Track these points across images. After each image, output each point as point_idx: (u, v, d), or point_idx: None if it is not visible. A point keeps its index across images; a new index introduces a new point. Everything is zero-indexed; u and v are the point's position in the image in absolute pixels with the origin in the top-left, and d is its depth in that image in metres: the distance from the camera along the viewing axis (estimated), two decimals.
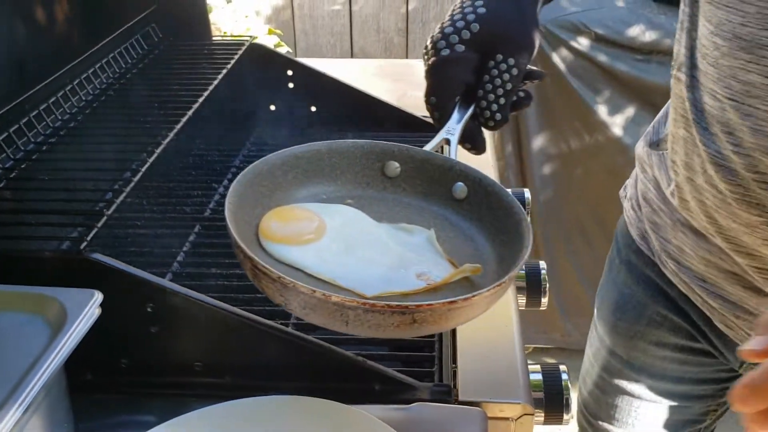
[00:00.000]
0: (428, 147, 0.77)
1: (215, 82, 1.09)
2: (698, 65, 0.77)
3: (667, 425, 1.01)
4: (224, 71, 1.13)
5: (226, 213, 0.64)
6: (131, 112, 1.01)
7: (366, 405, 0.69)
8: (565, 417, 0.83)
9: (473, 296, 0.59)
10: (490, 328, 0.83)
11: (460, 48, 0.75)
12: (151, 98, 1.05)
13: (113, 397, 0.74)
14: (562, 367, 0.84)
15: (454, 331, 0.81)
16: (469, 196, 0.75)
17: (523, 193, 1.21)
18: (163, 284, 0.71)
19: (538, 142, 1.99)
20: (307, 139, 0.76)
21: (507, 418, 0.72)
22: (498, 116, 0.78)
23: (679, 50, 0.82)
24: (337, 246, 0.67)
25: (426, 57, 0.78)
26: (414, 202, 0.76)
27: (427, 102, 0.77)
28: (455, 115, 0.78)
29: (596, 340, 1.05)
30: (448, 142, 0.78)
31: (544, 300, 1.04)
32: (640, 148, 0.95)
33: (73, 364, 0.65)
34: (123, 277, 0.70)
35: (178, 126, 0.97)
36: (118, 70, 1.11)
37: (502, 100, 0.76)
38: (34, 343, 0.62)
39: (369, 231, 0.70)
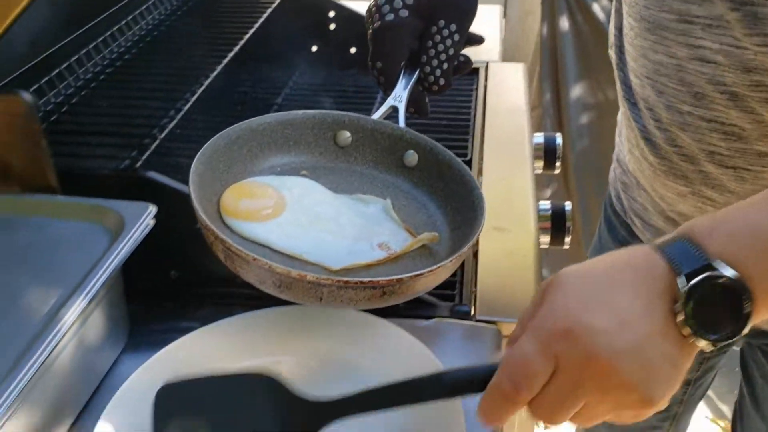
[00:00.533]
0: (376, 115, 0.79)
1: (259, 21, 1.15)
2: (624, 45, 0.80)
3: None
4: (268, 11, 1.18)
5: (192, 194, 0.66)
6: (181, 48, 1.08)
7: (391, 318, 0.75)
8: (566, 239, 1.01)
9: (436, 268, 0.64)
10: (510, 259, 0.88)
11: (404, 13, 0.76)
12: (199, 35, 1.11)
13: (163, 305, 0.82)
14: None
15: (476, 260, 0.87)
16: (419, 163, 0.77)
17: (554, 138, 1.24)
18: None
19: (576, 91, 2.00)
20: (344, 82, 0.80)
21: None
22: (441, 81, 0.79)
23: (611, 30, 0.85)
24: (298, 220, 0.71)
25: (369, 21, 0.79)
26: (366, 171, 0.79)
27: (372, 67, 0.79)
28: (401, 81, 0.79)
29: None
30: (395, 109, 0.79)
31: (567, 239, 1.09)
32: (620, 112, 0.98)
33: (128, 271, 0.73)
34: (174, 195, 0.76)
35: (224, 62, 1.03)
36: (169, 8, 1.17)
37: (445, 65, 0.78)
38: (95, 247, 0.69)
39: (327, 203, 0.74)
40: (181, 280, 0.82)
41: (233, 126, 0.74)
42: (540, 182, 1.92)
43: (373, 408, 0.54)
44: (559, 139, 1.25)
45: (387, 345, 0.72)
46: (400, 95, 0.79)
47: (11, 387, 0.55)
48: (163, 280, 0.82)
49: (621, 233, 0.97)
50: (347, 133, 0.79)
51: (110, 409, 0.64)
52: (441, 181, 0.76)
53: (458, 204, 0.74)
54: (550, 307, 0.49)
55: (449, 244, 0.72)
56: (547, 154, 1.22)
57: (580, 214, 2.03)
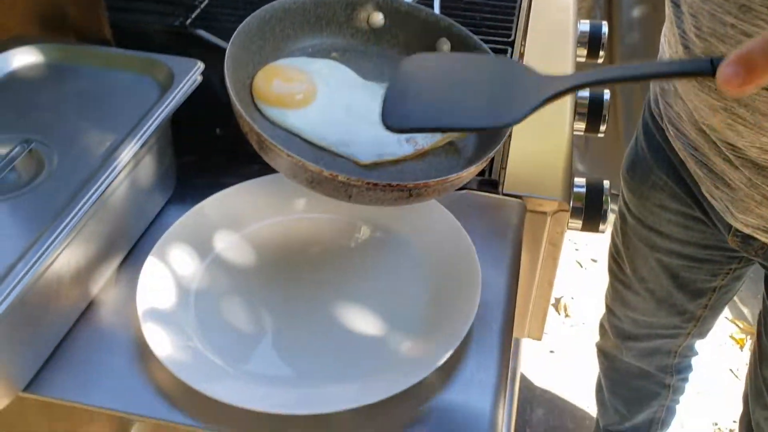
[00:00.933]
0: None
1: None
2: None
3: (680, 284, 1.07)
4: None
5: (227, 80, 0.65)
6: None
7: None
8: (601, 227, 0.92)
9: (463, 174, 0.63)
10: (543, 142, 0.90)
11: None
12: None
13: (208, 161, 0.87)
14: (606, 182, 0.92)
15: (509, 138, 0.89)
16: (452, 52, 0.75)
17: (601, 26, 1.23)
18: None
19: None
20: None
21: (544, 212, 0.81)
22: None
23: None
24: (328, 108, 0.70)
25: None
26: (397, 57, 0.77)
27: None
28: None
29: (621, 190, 1.11)
30: None
31: (602, 127, 1.10)
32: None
33: (176, 126, 0.77)
34: (221, 53, 0.79)
35: None
36: None
37: None
38: (146, 98, 0.73)
39: (357, 90, 0.73)
40: (225, 137, 0.86)
41: (266, 6, 0.73)
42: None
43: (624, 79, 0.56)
44: (605, 28, 1.24)
45: (419, 213, 0.75)
46: None
47: (70, 216, 0.60)
48: (208, 136, 0.86)
49: (656, 138, 0.97)
50: (380, 15, 0.78)
51: (158, 247, 0.70)
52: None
53: None
54: None
55: (476, 140, 0.72)
56: (592, 41, 1.21)
57: (623, 108, 2.02)
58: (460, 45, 0.75)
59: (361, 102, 0.72)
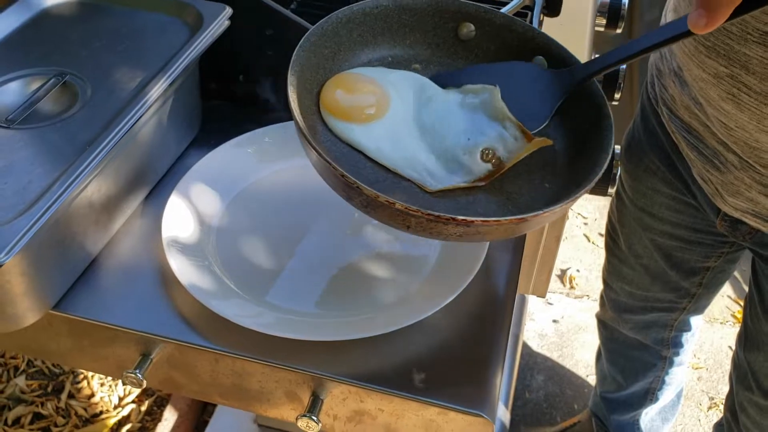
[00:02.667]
0: (507, 9, 0.71)
1: None
2: None
3: (673, 263, 1.09)
4: None
5: (290, 86, 0.59)
6: None
7: None
8: (610, 190, 0.94)
9: (544, 213, 0.54)
10: None
11: None
12: None
13: (231, 105, 0.89)
14: (617, 146, 0.93)
15: None
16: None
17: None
18: (284, 13, 0.82)
19: None
20: None
21: None
22: None
23: None
24: (399, 125, 0.64)
25: None
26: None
27: None
28: None
29: (619, 169, 1.11)
30: (531, 4, 0.71)
31: (617, 95, 1.12)
32: None
33: (203, 70, 0.80)
34: (249, 1, 0.82)
35: None
36: None
37: None
38: (176, 38, 0.76)
39: (434, 102, 0.66)
40: (249, 84, 0.89)
41: (344, 8, 0.66)
42: (605, 48, 1.91)
43: (625, 59, 0.60)
44: None
45: None
46: None
47: (102, 146, 0.63)
48: (233, 82, 0.89)
49: (651, 121, 0.98)
50: (471, 26, 0.69)
51: (183, 182, 0.73)
52: (571, 99, 0.65)
53: (584, 128, 0.64)
54: None
55: (567, 174, 0.63)
56: (611, 12, 1.22)
57: (639, 77, 2.03)
58: (558, 64, 0.67)
59: (437, 115, 0.65)
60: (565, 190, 0.59)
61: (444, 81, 0.68)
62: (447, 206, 0.60)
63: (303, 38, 0.63)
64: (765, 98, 0.73)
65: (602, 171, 0.58)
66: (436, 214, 0.53)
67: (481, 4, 0.69)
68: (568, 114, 0.65)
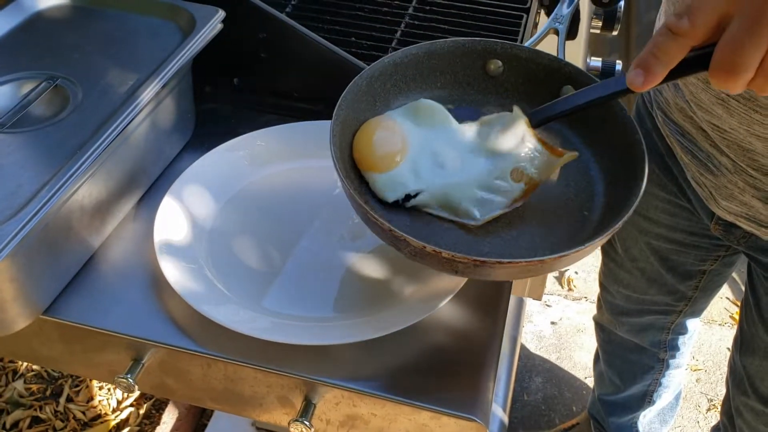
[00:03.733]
0: (533, 39, 0.72)
1: None
2: None
3: (669, 266, 1.08)
4: None
5: (332, 145, 0.61)
6: None
7: None
8: None
9: (585, 248, 0.56)
10: None
11: None
12: None
13: (225, 109, 0.89)
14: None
15: None
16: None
17: None
18: (277, 15, 0.82)
19: None
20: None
21: None
22: None
23: None
24: (427, 161, 0.65)
25: None
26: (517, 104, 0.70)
27: None
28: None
29: None
30: (556, 32, 0.72)
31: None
32: None
33: (196, 73, 0.80)
34: (243, 3, 0.81)
35: None
36: None
37: None
38: (168, 41, 0.76)
39: (452, 133, 0.67)
40: (243, 87, 0.88)
41: (375, 63, 0.68)
42: (602, 49, 1.89)
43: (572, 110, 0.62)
44: (621, 1, 1.25)
45: None
46: (561, 15, 0.73)
47: (93, 149, 0.63)
48: (226, 85, 0.89)
49: (646, 125, 0.98)
50: (499, 62, 0.71)
51: (176, 186, 0.73)
52: (600, 125, 0.67)
53: (616, 156, 0.65)
54: None
55: (603, 202, 0.65)
56: (607, 14, 1.22)
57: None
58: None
59: (460, 148, 0.66)
60: (605, 218, 0.62)
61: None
62: (492, 245, 0.61)
63: (340, 99, 0.65)
64: (753, 104, 0.73)
65: (638, 200, 0.60)
66: (482, 259, 0.54)
67: (506, 41, 0.71)
68: (601, 141, 0.67)
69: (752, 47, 0.49)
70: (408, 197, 0.63)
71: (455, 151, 0.65)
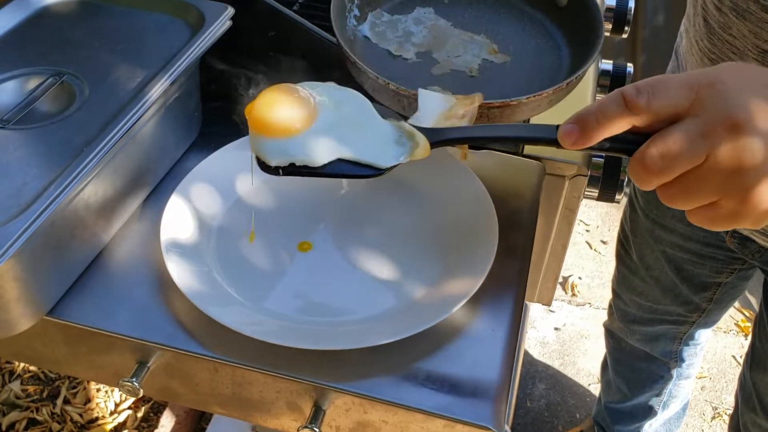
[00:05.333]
0: None
1: None
2: None
3: (684, 276, 1.07)
4: None
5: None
6: None
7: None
8: (617, 197, 0.92)
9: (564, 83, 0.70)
10: (564, 107, 0.90)
11: None
12: None
13: (232, 108, 0.87)
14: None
15: None
16: (569, 5, 0.81)
17: (627, 1, 1.22)
18: (287, 13, 0.80)
19: None
20: None
21: (563, 176, 0.82)
22: None
23: None
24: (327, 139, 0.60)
25: None
26: (516, 4, 0.86)
27: None
28: None
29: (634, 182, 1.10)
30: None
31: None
32: None
33: (203, 72, 0.78)
34: (253, 0, 0.80)
35: None
36: None
37: None
38: (177, 38, 0.74)
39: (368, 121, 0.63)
40: (250, 86, 0.87)
41: None
42: (608, 52, 1.89)
43: (483, 139, 0.60)
44: (631, 3, 1.24)
45: (442, 168, 0.76)
46: None
47: (99, 147, 0.61)
48: (234, 84, 0.87)
49: None
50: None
51: (183, 185, 0.71)
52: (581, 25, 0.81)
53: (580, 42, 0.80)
54: (723, 98, 0.46)
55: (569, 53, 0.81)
56: (617, 16, 1.21)
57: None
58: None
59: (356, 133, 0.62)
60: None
61: None
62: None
63: None
64: None
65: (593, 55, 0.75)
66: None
67: None
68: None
69: (685, 158, 0.46)
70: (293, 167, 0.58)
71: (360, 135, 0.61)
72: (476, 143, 0.63)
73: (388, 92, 0.71)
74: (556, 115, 0.89)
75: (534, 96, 0.70)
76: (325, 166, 0.58)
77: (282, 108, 0.59)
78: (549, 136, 0.52)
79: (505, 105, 0.69)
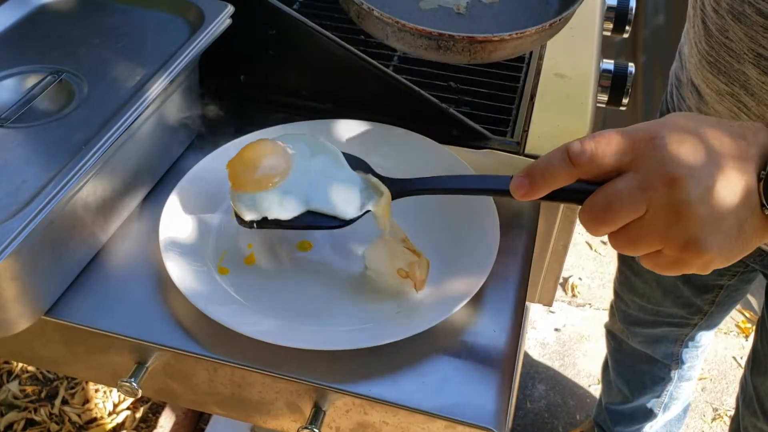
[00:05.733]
0: None
1: None
2: None
3: (686, 278, 1.07)
4: None
5: None
6: None
7: (444, 146, 0.79)
8: (624, 100, 0.99)
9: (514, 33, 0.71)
10: (566, 103, 0.90)
11: None
12: None
13: (231, 107, 0.87)
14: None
15: (532, 102, 0.89)
16: None
17: (628, 1, 1.22)
18: (288, 12, 0.80)
19: None
20: None
21: None
22: None
23: None
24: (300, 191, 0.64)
25: None
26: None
27: None
28: None
29: None
30: None
31: (625, 101, 1.10)
32: None
33: (203, 70, 0.78)
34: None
35: None
36: None
37: None
38: (176, 36, 0.74)
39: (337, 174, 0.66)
40: (249, 84, 0.87)
41: None
42: (609, 51, 1.89)
43: (437, 190, 0.64)
44: (632, 2, 1.23)
45: (444, 168, 0.76)
46: None
47: (98, 145, 0.61)
48: (233, 83, 0.87)
49: None
50: None
51: (182, 185, 0.71)
52: None
53: None
54: (661, 153, 0.49)
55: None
56: (619, 16, 1.20)
57: (642, 84, 2.01)
58: None
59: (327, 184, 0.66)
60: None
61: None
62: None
63: None
64: (763, 120, 0.71)
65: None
66: (404, 22, 0.72)
67: None
68: None
69: (626, 210, 0.49)
70: (265, 220, 0.63)
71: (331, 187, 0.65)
72: (436, 193, 0.64)
73: (371, 19, 0.75)
74: (556, 113, 0.89)
75: (517, 33, 0.72)
76: (295, 218, 0.63)
77: (256, 164, 0.63)
78: (502, 188, 0.56)
79: (488, 40, 0.71)
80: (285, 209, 0.62)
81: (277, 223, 0.62)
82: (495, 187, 0.59)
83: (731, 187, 0.48)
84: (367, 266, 0.67)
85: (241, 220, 0.63)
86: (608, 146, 0.50)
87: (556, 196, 0.53)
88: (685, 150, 0.48)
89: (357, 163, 0.67)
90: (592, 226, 0.51)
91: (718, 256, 0.49)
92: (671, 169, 0.48)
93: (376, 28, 0.75)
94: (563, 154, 0.51)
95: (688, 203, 0.47)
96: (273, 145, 0.65)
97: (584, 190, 0.52)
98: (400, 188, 0.64)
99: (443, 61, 0.78)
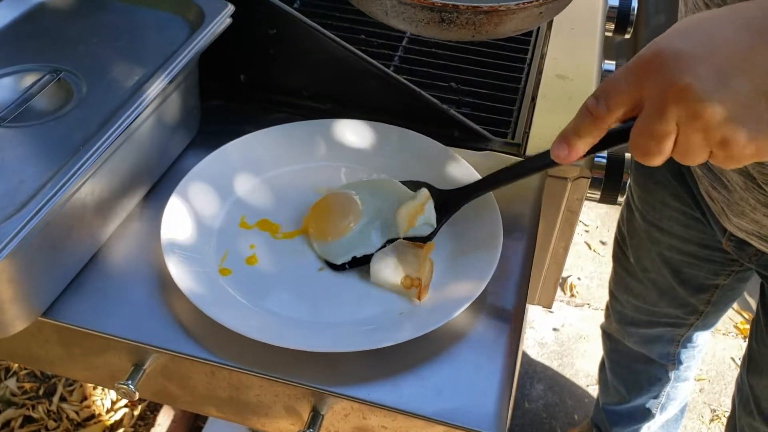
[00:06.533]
0: None
1: None
2: None
3: (681, 279, 1.06)
4: None
5: None
6: None
7: (444, 146, 0.79)
8: (619, 199, 0.91)
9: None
10: (568, 104, 0.89)
11: None
12: None
13: (231, 106, 0.87)
14: (627, 154, 0.91)
15: (533, 103, 0.89)
16: None
17: (630, 2, 1.22)
18: (289, 11, 0.79)
19: None
20: None
21: (565, 178, 0.81)
22: None
23: None
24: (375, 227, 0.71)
25: None
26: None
27: None
28: None
29: (629, 184, 1.10)
30: None
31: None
32: None
33: (203, 70, 0.77)
34: None
35: None
36: None
37: None
38: (176, 35, 0.73)
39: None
40: (250, 84, 0.86)
41: None
42: (609, 52, 1.88)
43: (494, 186, 0.69)
44: (634, 3, 1.23)
45: (444, 169, 0.75)
46: None
47: (97, 145, 0.60)
48: (233, 82, 0.86)
49: None
50: None
51: (183, 185, 0.70)
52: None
53: None
54: (662, 71, 0.49)
55: None
56: (620, 17, 1.20)
57: None
58: None
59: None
60: None
61: None
62: None
63: None
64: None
65: None
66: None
67: None
68: None
69: (660, 134, 0.50)
70: (355, 259, 0.68)
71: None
72: (490, 190, 0.69)
73: None
74: (557, 115, 0.88)
75: (524, 3, 0.70)
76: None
77: (331, 215, 0.71)
78: (547, 161, 0.59)
79: (494, 10, 0.69)
80: (368, 245, 0.68)
81: (366, 258, 0.68)
82: (541, 164, 0.63)
83: (738, 65, 0.47)
84: (371, 272, 0.67)
85: (332, 266, 0.68)
86: (617, 86, 0.51)
87: (600, 147, 0.55)
88: (683, 55, 0.48)
89: (415, 186, 0.73)
90: (647, 160, 0.52)
91: (759, 134, 0.48)
92: (676, 80, 0.48)
93: (374, 5, 0.72)
94: (585, 112, 0.53)
95: (704, 105, 0.47)
96: (337, 195, 0.72)
97: (620, 131, 0.53)
98: (459, 196, 0.69)
99: (446, 38, 0.76)
